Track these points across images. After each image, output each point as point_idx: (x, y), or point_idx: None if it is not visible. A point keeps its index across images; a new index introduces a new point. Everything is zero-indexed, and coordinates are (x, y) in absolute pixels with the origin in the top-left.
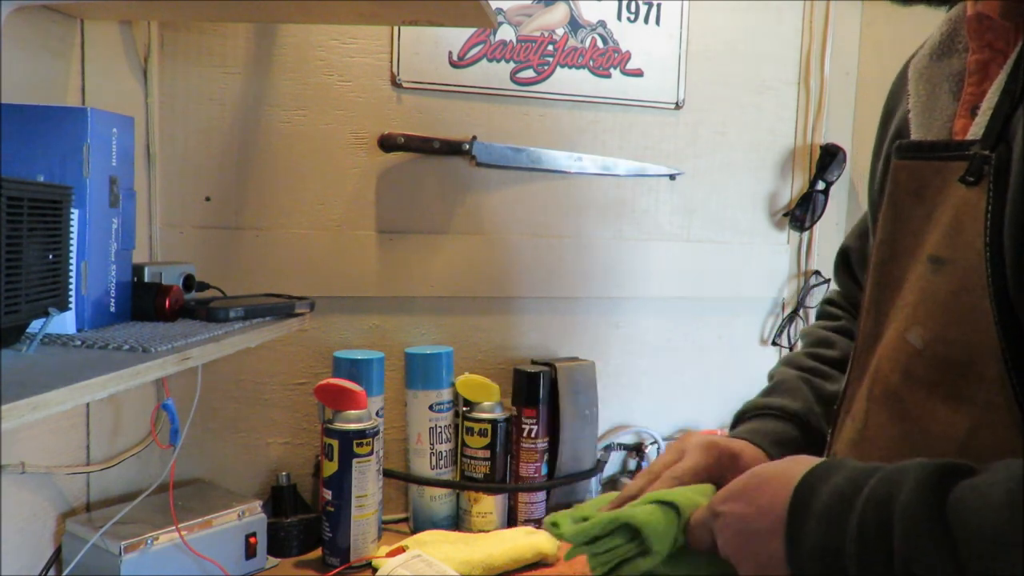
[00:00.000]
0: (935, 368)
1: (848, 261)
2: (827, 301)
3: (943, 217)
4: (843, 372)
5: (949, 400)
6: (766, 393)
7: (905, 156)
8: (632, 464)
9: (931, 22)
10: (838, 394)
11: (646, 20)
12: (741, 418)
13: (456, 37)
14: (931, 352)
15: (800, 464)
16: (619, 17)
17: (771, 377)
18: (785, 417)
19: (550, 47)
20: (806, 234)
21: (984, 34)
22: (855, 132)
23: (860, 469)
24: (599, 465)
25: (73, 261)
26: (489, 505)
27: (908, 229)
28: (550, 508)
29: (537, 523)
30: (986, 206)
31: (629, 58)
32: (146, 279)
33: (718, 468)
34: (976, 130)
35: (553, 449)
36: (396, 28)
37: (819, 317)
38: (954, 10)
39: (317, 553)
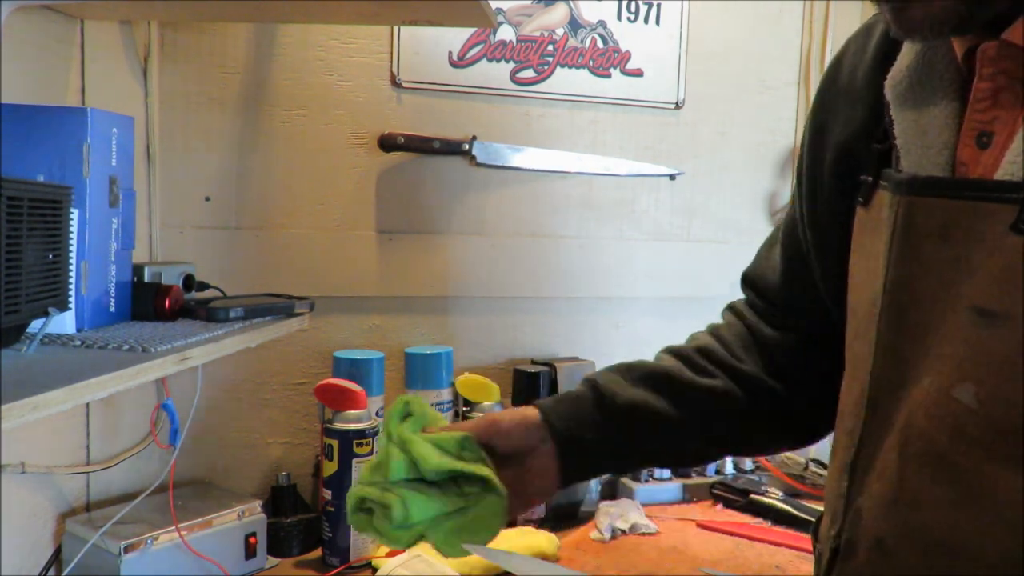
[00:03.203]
0: (993, 429)
1: (755, 286)
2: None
3: (986, 265)
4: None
5: (1010, 463)
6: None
7: (920, 192)
8: None
9: None
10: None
11: (646, 20)
12: None
13: (456, 37)
14: (987, 412)
15: None
16: (619, 17)
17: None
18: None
19: (550, 47)
20: None
21: (1000, 61)
22: None
23: None
24: None
25: (73, 261)
26: None
27: (931, 272)
28: (549, 508)
29: (536, 523)
30: None
31: (629, 58)
32: (146, 279)
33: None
34: (1012, 168)
35: None
36: (396, 28)
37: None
38: None
39: (317, 553)
